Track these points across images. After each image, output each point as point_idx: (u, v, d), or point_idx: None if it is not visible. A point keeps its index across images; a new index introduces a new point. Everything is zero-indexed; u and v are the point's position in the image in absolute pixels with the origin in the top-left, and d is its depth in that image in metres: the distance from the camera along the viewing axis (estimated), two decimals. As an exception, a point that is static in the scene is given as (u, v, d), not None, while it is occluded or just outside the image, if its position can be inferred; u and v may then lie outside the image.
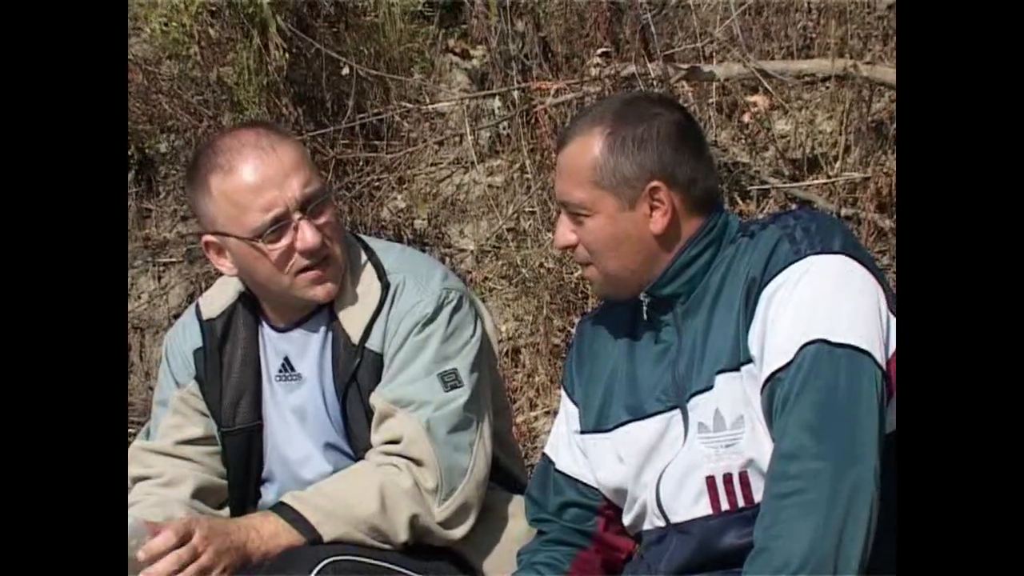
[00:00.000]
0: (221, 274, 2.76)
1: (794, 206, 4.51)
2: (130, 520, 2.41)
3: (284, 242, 2.58)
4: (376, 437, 2.62)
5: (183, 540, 2.42)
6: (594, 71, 4.70)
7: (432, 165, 5.25)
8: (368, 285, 2.67)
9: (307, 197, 2.58)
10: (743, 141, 4.80)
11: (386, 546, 2.55)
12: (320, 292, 2.63)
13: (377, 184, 5.17)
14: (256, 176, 2.56)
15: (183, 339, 2.81)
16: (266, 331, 2.75)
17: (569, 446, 2.61)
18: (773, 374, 2.25)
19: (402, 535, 2.55)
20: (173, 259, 5.43)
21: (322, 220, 2.60)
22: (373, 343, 2.64)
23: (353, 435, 2.68)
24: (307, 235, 2.57)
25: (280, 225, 2.57)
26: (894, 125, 4.46)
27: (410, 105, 5.26)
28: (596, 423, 2.53)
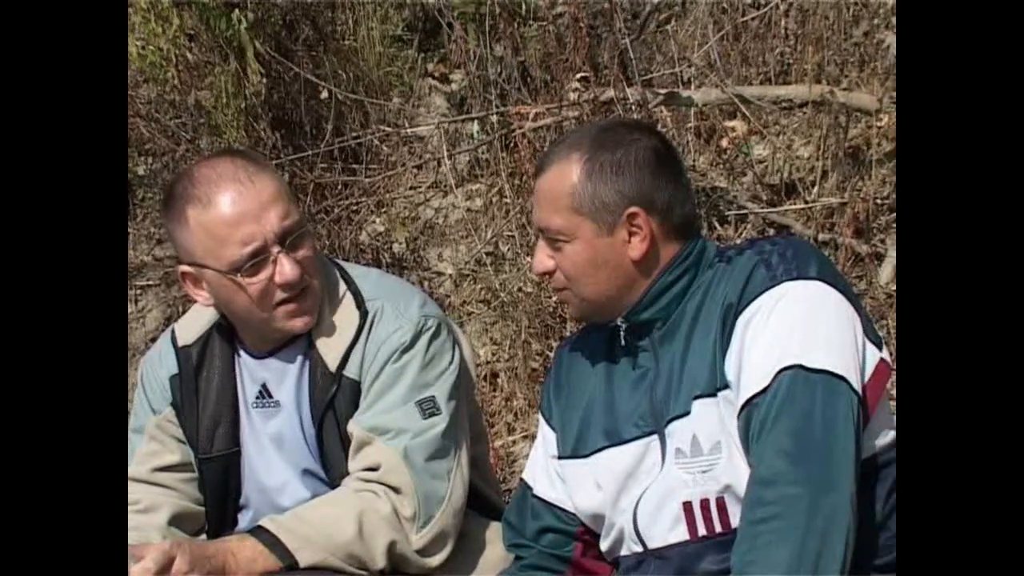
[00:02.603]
0: (197, 300, 2.75)
1: (772, 231, 4.53)
2: None
3: (263, 276, 2.56)
4: (354, 464, 2.61)
5: (164, 567, 2.40)
6: (573, 95, 4.71)
7: (411, 189, 5.26)
8: (346, 312, 2.66)
9: (286, 230, 2.57)
10: (721, 166, 4.82)
11: (363, 572, 2.55)
12: (298, 324, 2.62)
13: (355, 208, 5.18)
14: (234, 209, 2.54)
15: (159, 366, 2.80)
16: (243, 358, 2.73)
17: (547, 471, 2.61)
18: (750, 400, 2.26)
19: (379, 562, 2.54)
20: (150, 282, 5.42)
21: (301, 253, 2.59)
22: (351, 371, 2.63)
23: (329, 462, 2.67)
24: (286, 269, 2.56)
25: (259, 259, 2.56)
26: (871, 150, 4.48)
27: (389, 129, 5.27)
28: (574, 449, 2.53)
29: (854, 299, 2.36)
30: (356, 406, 2.62)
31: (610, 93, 4.61)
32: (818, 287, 2.31)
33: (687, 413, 2.35)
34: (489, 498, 2.83)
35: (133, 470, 2.77)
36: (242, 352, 2.74)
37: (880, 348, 2.32)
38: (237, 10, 5.01)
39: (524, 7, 5.28)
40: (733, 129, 4.76)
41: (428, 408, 2.60)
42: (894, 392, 2.87)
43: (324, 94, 5.22)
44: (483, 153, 5.09)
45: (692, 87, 4.81)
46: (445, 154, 5.05)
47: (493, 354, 4.70)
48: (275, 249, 2.56)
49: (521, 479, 2.68)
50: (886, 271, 4.16)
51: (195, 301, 2.72)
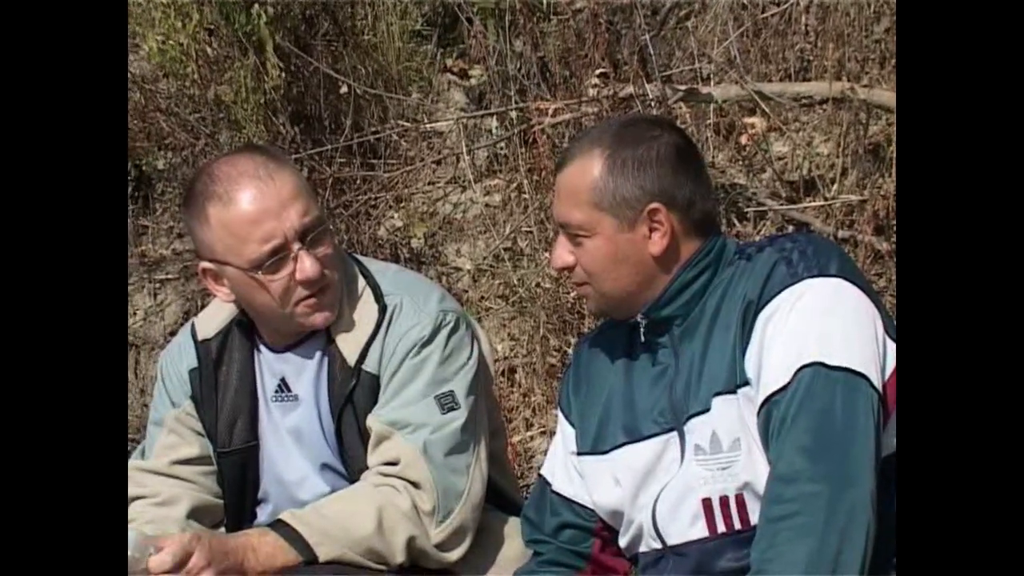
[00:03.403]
0: (217, 294, 2.75)
1: (791, 228, 4.52)
2: (131, 535, 2.40)
3: (283, 273, 2.56)
4: (373, 459, 2.62)
5: (182, 560, 2.41)
6: (592, 91, 4.71)
7: (429, 184, 5.25)
8: (365, 307, 2.66)
9: (306, 227, 2.57)
10: (740, 163, 4.81)
11: (382, 567, 2.55)
12: (318, 319, 2.63)
13: (374, 203, 5.17)
14: (254, 207, 2.54)
15: (179, 359, 2.80)
16: (262, 352, 2.74)
17: (565, 467, 2.61)
18: (769, 397, 2.26)
19: (399, 557, 2.54)
20: (169, 276, 5.43)
21: (321, 250, 2.59)
22: (370, 365, 2.63)
23: (348, 456, 2.67)
24: (306, 266, 2.56)
25: (279, 257, 2.56)
26: (891, 148, 4.47)
27: (408, 124, 5.27)
28: (593, 445, 2.53)
29: (874, 296, 2.36)
30: (375, 400, 2.63)
31: (629, 89, 4.60)
32: (838, 284, 2.30)
33: (707, 410, 2.35)
34: (507, 493, 2.83)
35: (152, 463, 2.78)
36: (261, 346, 2.74)
37: (900, 345, 2.32)
38: (257, 5, 5.02)
39: (543, 2, 5.27)
40: (753, 126, 4.75)
41: (447, 403, 2.61)
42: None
43: (343, 89, 5.22)
44: (502, 149, 5.08)
45: (712, 84, 4.79)
46: (464, 149, 5.04)
47: (511, 350, 4.70)
48: (295, 246, 2.56)
49: (540, 475, 2.68)
50: (906, 269, 4.14)
51: (215, 295, 2.73)
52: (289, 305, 2.60)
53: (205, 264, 2.64)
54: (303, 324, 2.64)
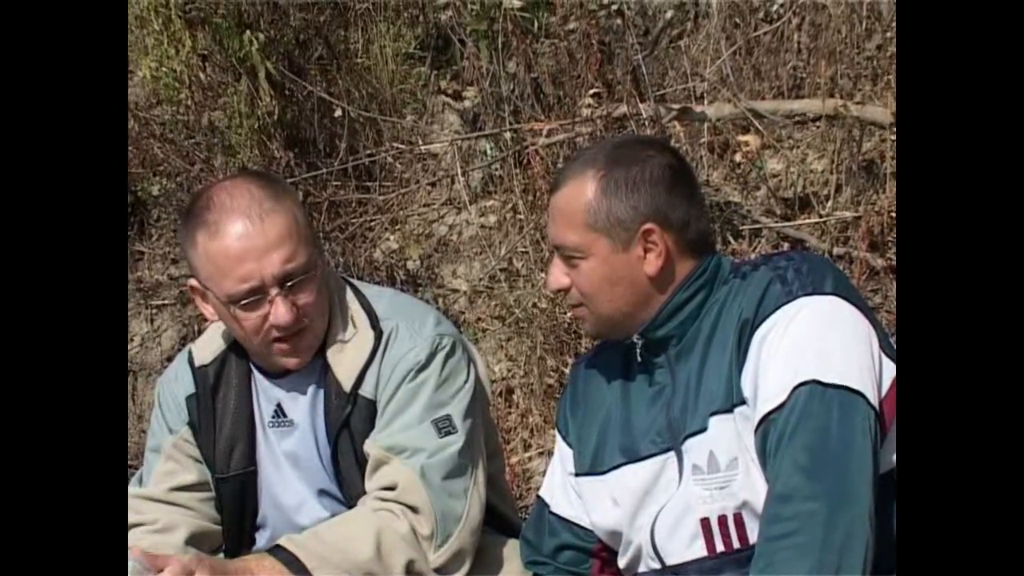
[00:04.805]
0: (212, 317, 2.75)
1: (786, 245, 4.53)
2: (131, 564, 2.39)
3: (258, 313, 2.55)
4: (371, 484, 2.61)
5: None
6: (586, 112, 4.72)
7: (425, 206, 5.26)
8: (360, 332, 2.65)
9: (287, 273, 2.55)
10: (735, 181, 4.82)
11: (380, 592, 2.55)
12: (290, 363, 2.63)
13: (370, 225, 5.19)
14: (238, 244, 2.53)
15: (176, 385, 2.80)
16: (258, 377, 2.74)
17: (564, 488, 2.60)
18: (766, 416, 2.25)
19: (397, 581, 2.55)
20: (166, 302, 5.43)
21: (301, 298, 2.57)
22: (366, 390, 2.63)
23: (345, 482, 2.67)
24: (280, 312, 2.54)
25: (256, 298, 2.55)
26: (885, 164, 4.48)
27: (402, 146, 5.28)
28: (591, 466, 2.53)
29: (870, 313, 2.36)
30: (372, 425, 2.62)
31: (623, 109, 4.62)
32: (834, 302, 2.30)
33: (704, 429, 2.35)
34: (506, 515, 2.83)
35: (150, 490, 2.77)
36: (257, 372, 2.74)
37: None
38: (249, 31, 5.03)
39: (536, 24, 5.29)
40: (746, 143, 4.76)
41: (444, 427, 2.60)
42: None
43: (337, 112, 5.23)
44: (496, 170, 5.10)
45: (705, 102, 4.81)
46: (459, 171, 5.05)
47: (508, 370, 4.70)
48: (273, 291, 2.55)
49: (538, 496, 2.68)
50: (901, 285, 4.14)
51: (202, 313, 2.73)
52: (262, 342, 2.60)
53: (193, 283, 2.65)
54: (276, 362, 2.64)
